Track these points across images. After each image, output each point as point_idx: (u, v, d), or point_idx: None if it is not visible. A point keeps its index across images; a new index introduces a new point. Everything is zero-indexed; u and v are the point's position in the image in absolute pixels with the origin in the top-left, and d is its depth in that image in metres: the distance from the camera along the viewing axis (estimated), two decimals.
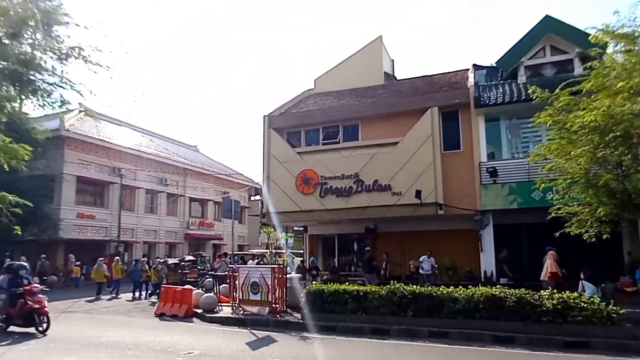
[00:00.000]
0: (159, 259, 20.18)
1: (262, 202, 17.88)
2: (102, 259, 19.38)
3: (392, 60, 24.50)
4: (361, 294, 9.15)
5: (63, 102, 4.94)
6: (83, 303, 14.91)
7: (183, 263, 18.92)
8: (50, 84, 4.91)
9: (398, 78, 23.43)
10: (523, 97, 14.53)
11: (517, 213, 15.24)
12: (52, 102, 4.99)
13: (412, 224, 18.22)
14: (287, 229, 47.38)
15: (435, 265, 15.79)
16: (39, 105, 5.08)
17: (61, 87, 5.00)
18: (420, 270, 14.88)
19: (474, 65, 20.23)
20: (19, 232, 12.13)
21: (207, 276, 17.96)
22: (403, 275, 17.35)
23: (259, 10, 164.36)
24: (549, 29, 15.33)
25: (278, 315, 10.12)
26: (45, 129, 20.31)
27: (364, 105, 18.40)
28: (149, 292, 17.13)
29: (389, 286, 9.17)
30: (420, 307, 8.54)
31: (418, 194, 15.41)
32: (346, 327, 8.76)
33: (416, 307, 8.56)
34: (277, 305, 10.25)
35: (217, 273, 15.50)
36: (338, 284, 9.91)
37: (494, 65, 20.54)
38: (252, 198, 46.21)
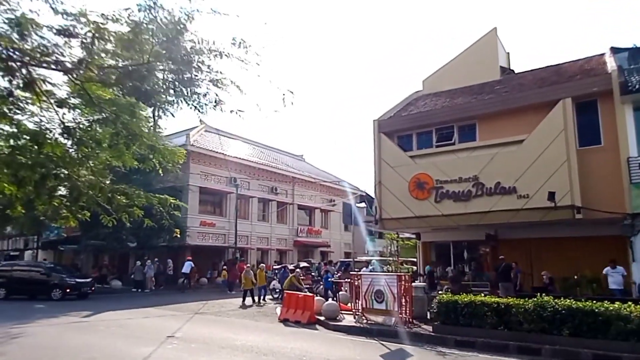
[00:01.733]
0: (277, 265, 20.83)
1: (375, 208, 17.46)
2: (248, 265, 20.38)
3: (508, 53, 22.66)
4: (502, 306, 8.19)
5: (217, 102, 5.09)
6: (211, 305, 15.85)
7: (298, 269, 19.24)
8: (209, 82, 5.09)
9: (516, 71, 21.53)
10: None
11: None
12: (207, 103, 5.18)
13: (540, 231, 16.40)
14: (371, 233, 46.87)
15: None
16: (195, 107, 5.30)
17: (216, 86, 5.15)
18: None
19: (612, 48, 17.74)
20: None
21: (320, 283, 18.02)
22: (529, 287, 15.66)
23: (362, 14, 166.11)
24: None
25: (406, 326, 9.55)
26: (175, 145, 22.42)
27: (481, 103, 17.11)
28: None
29: (535, 299, 8.09)
30: (578, 325, 7.34)
31: (551, 196, 13.74)
32: (486, 344, 7.88)
33: (573, 325, 7.37)
34: (403, 316, 9.69)
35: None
36: (472, 295, 9.02)
37: (637, 46, 17.89)
38: (357, 205, 46.09)
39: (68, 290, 18.87)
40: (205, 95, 5.03)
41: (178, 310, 14.39)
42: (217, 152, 30.09)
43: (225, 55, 4.64)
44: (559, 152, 14.52)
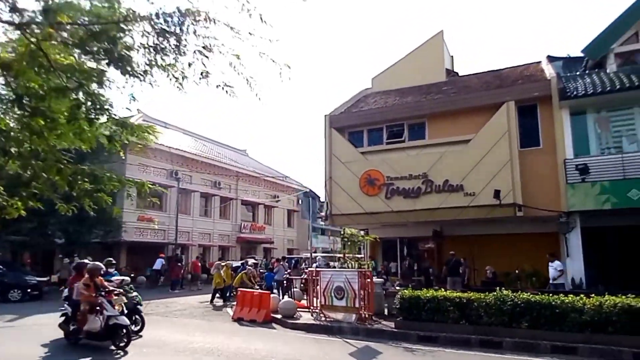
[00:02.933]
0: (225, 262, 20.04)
1: (326, 204, 17.33)
2: (219, 262, 19.01)
3: (452, 56, 23.54)
4: (464, 301, 8.35)
5: (204, 75, 4.49)
6: (155, 305, 14.88)
7: (248, 267, 18.66)
8: (199, 49, 4.48)
9: (460, 74, 22.41)
10: (618, 87, 13.24)
11: (608, 215, 13.93)
12: (191, 76, 4.61)
13: (482, 227, 17.18)
14: (314, 229, 47.31)
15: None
16: (176, 78, 4.62)
17: (204, 55, 4.56)
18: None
19: (549, 56, 18.97)
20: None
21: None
22: (473, 281, 16.36)
23: (309, 11, 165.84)
24: None
25: (367, 323, 9.49)
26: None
27: (431, 102, 17.54)
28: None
29: (495, 293, 8.33)
30: (536, 317, 7.65)
31: (497, 194, 14.37)
32: (449, 338, 8.00)
33: (532, 318, 7.69)
34: (364, 312, 9.61)
35: (276, 278, 15.14)
36: (433, 290, 9.12)
37: (570, 56, 19.27)
38: (300, 202, 46.02)
39: (29, 291, 17.47)
40: (190, 65, 4.46)
41: None
42: (157, 142, 28.45)
43: (219, 21, 4.14)
44: (502, 153, 15.22)
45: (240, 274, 13.96)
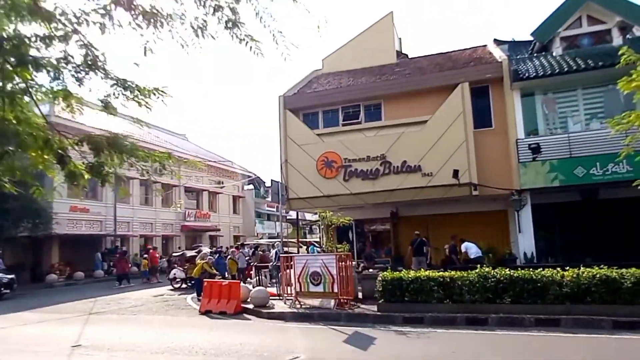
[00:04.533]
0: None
1: (284, 188, 16.79)
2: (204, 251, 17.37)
3: (400, 38, 23.66)
4: (448, 280, 8.33)
5: (232, 23, 3.74)
6: (105, 302, 13.60)
7: (209, 257, 17.72)
8: None
9: (410, 57, 22.60)
10: (566, 70, 13.87)
11: (554, 192, 14.75)
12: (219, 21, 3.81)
13: (437, 207, 17.60)
14: (259, 215, 46.76)
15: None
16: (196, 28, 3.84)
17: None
18: (471, 256, 14.06)
19: (495, 40, 19.59)
20: None
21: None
22: (435, 260, 16.72)
23: None
24: None
25: (347, 308, 9.22)
26: (37, 115, 18.65)
27: (386, 83, 17.46)
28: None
29: (477, 270, 8.39)
30: (519, 292, 7.80)
31: (455, 173, 14.66)
32: (436, 318, 7.95)
33: (515, 293, 7.82)
34: (343, 297, 9.32)
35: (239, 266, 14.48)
36: (414, 272, 9.03)
37: (515, 40, 20.04)
38: (246, 188, 44.92)
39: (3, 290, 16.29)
40: (216, 10, 3.69)
41: (62, 312, 11.97)
42: (89, 126, 26.07)
43: None
44: (458, 133, 15.53)
45: (200, 263, 13.13)
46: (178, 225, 33.61)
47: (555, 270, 7.84)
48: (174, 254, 21.04)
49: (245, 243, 19.11)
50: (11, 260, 21.82)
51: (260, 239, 40.23)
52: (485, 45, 20.18)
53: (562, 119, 15.03)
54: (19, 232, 21.30)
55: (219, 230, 37.69)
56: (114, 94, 4.26)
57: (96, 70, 4.02)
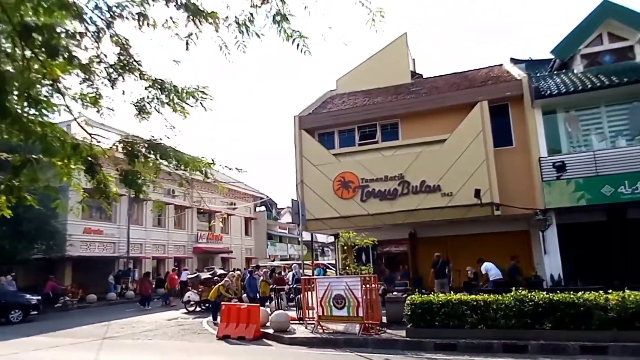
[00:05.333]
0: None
1: (304, 207, 16.51)
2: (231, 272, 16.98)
3: (413, 59, 23.70)
4: (482, 304, 7.90)
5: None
6: (119, 327, 13.27)
7: (216, 277, 17.40)
8: None
9: (424, 76, 22.54)
10: (589, 87, 13.59)
11: (580, 212, 14.26)
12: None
13: (456, 228, 17.16)
14: (271, 237, 46.20)
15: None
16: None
17: None
18: (491, 278, 13.59)
19: (512, 59, 19.46)
20: None
21: (243, 291, 16.45)
22: (455, 283, 16.19)
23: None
24: (609, 14, 14.49)
25: (373, 333, 8.78)
26: None
27: (403, 102, 17.32)
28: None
29: (513, 294, 7.96)
30: (560, 317, 7.34)
31: (477, 193, 14.29)
32: (469, 345, 7.49)
33: (555, 318, 7.36)
34: (369, 322, 8.87)
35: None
36: (445, 295, 8.61)
37: (532, 59, 19.89)
38: (257, 209, 44.73)
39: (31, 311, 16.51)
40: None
41: (75, 336, 11.66)
42: (104, 144, 26.28)
43: None
44: (478, 152, 15.23)
45: (217, 285, 12.78)
46: (190, 247, 33.36)
47: (597, 293, 7.38)
48: (188, 276, 20.68)
49: (260, 265, 18.70)
50: (24, 283, 21.67)
51: (272, 261, 39.79)
52: (501, 65, 20.07)
53: (585, 137, 14.67)
54: (32, 254, 21.19)
55: (231, 252, 37.36)
56: (147, 97, 4.00)
57: (131, 71, 3.79)
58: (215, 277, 17.30)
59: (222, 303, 11.10)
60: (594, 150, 14.00)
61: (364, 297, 8.87)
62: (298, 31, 3.72)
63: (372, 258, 20.18)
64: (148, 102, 4.09)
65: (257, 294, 14.45)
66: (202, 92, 4.06)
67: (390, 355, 7.50)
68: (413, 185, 15.86)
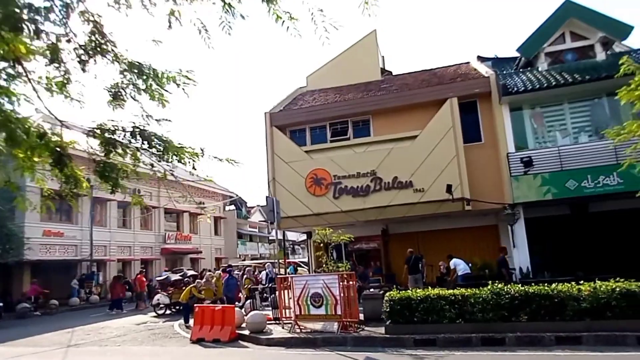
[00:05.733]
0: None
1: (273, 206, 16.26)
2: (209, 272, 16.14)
3: (383, 56, 23.82)
4: (459, 298, 7.94)
5: None
6: (84, 333, 12.61)
7: (187, 279, 16.90)
8: None
9: (394, 74, 22.71)
10: (554, 84, 14.01)
11: (546, 205, 14.70)
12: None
13: (427, 224, 17.40)
14: (241, 236, 45.66)
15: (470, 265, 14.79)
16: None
17: None
18: (459, 272, 13.80)
19: (479, 57, 19.86)
20: None
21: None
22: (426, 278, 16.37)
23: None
24: (571, 14, 14.98)
25: (352, 331, 8.69)
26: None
27: (374, 99, 17.35)
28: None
29: (489, 287, 8.04)
30: (535, 309, 7.46)
31: (449, 188, 14.47)
32: (448, 339, 7.51)
33: (531, 310, 7.47)
34: (348, 320, 8.76)
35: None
36: (423, 290, 8.61)
37: (497, 57, 20.35)
38: (227, 208, 43.99)
39: None
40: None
41: (37, 345, 10.99)
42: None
43: None
44: (449, 148, 15.45)
45: (188, 287, 12.37)
46: (158, 248, 32.41)
47: (570, 285, 7.56)
48: (157, 278, 19.99)
49: (232, 265, 18.35)
50: None
51: (243, 260, 39.24)
52: (468, 63, 20.45)
53: (550, 133, 15.14)
54: None
55: (200, 252, 36.56)
56: (122, 82, 3.67)
57: (104, 53, 3.45)
58: (186, 279, 16.81)
59: (195, 305, 10.75)
60: (558, 146, 14.45)
61: (342, 294, 8.78)
62: (288, 12, 3.55)
63: (344, 255, 20.21)
64: (123, 88, 3.77)
65: (240, 295, 13.97)
66: (186, 76, 3.77)
67: (370, 352, 7.44)
68: (385, 182, 15.93)
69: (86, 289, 23.60)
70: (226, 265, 19.48)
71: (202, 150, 4.04)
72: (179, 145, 3.87)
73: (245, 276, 15.22)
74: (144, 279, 21.55)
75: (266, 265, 15.11)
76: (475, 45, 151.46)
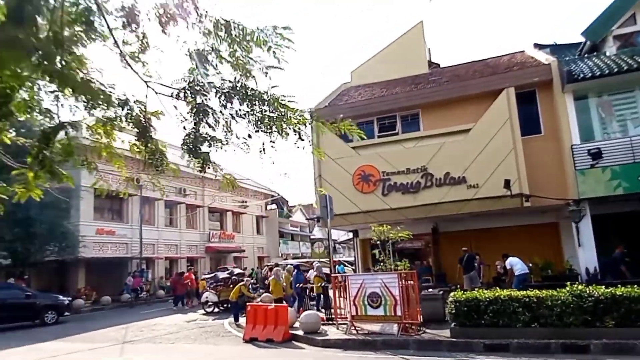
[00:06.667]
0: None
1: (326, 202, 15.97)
2: (277, 267, 16.27)
3: (429, 48, 22.97)
4: (534, 300, 7.27)
5: None
6: (138, 330, 12.83)
7: (234, 277, 16.87)
8: None
9: (441, 66, 21.85)
10: (625, 69, 12.85)
11: (614, 201, 13.55)
12: None
13: (479, 222, 16.48)
14: (282, 235, 45.48)
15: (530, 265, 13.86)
16: None
17: None
18: (516, 273, 12.90)
19: (536, 44, 18.73)
20: None
21: (261, 290, 15.92)
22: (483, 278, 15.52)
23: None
24: None
25: (414, 334, 8.18)
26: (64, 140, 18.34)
27: (424, 92, 16.65)
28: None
29: (569, 289, 7.32)
30: (624, 313, 6.69)
31: (507, 184, 13.62)
32: (524, 345, 6.88)
33: (619, 315, 6.72)
34: (408, 321, 8.26)
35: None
36: (491, 291, 7.97)
37: (556, 43, 19.13)
38: (269, 207, 44.19)
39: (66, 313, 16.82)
40: None
41: (93, 341, 11.17)
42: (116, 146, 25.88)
43: None
44: (505, 141, 14.57)
45: (237, 286, 12.22)
46: (203, 247, 32.92)
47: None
48: (204, 276, 20.14)
49: (279, 263, 18.07)
50: (37, 285, 21.30)
51: (285, 259, 39.26)
52: (523, 51, 19.32)
53: (620, 122, 13.94)
54: (45, 257, 20.81)
55: (243, 251, 36.90)
56: (205, 48, 3.27)
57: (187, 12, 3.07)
58: (233, 277, 16.77)
59: (247, 304, 10.54)
60: (630, 136, 13.27)
61: (402, 294, 8.27)
62: None
63: (391, 254, 19.58)
64: (205, 56, 3.40)
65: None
66: (280, 35, 3.32)
67: (437, 357, 6.92)
68: (437, 178, 15.25)
69: (141, 286, 24.15)
70: (274, 263, 19.29)
71: (310, 113, 3.54)
72: (289, 103, 3.42)
73: (314, 273, 14.67)
74: (193, 277, 21.81)
75: (314, 264, 14.79)
76: (523, 35, 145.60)
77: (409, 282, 8.54)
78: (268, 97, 3.17)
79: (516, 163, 14.33)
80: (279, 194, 43.10)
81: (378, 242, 12.24)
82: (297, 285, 13.20)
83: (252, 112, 3.23)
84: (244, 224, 38.72)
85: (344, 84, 21.32)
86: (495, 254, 15.09)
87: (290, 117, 3.26)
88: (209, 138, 3.36)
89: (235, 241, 36.43)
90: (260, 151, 3.66)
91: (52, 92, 3.21)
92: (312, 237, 49.80)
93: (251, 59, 3.36)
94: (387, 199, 15.88)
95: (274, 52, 3.20)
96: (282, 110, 3.25)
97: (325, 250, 35.05)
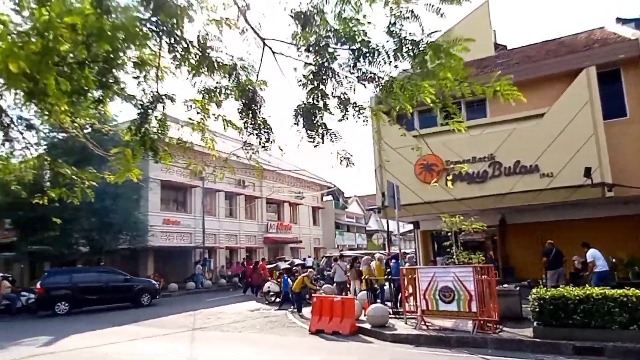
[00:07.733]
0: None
1: (382, 195, 15.61)
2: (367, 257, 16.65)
3: (494, 30, 21.67)
4: (633, 300, 6.57)
5: None
6: (206, 317, 13.28)
7: (294, 267, 16.99)
8: None
9: (508, 48, 20.56)
10: None
11: None
12: None
13: (551, 214, 15.37)
14: (338, 227, 45.08)
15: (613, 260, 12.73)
16: None
17: None
18: (597, 268, 11.80)
19: (618, 19, 17.06)
20: None
21: (321, 281, 15.87)
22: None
23: None
24: None
25: (491, 332, 7.71)
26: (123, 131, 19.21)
27: (492, 76, 15.64)
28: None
29: None
30: None
31: (587, 172, 12.54)
32: (621, 349, 6.23)
33: None
34: (484, 318, 7.79)
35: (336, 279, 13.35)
36: (580, 289, 7.32)
37: None
38: (325, 199, 44.27)
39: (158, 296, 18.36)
40: None
41: (165, 326, 11.65)
42: (178, 139, 26.82)
43: None
44: (584, 126, 13.41)
45: (300, 277, 12.23)
46: (261, 237, 33.58)
47: None
48: (267, 266, 20.48)
49: (342, 254, 17.99)
50: None
51: (341, 250, 39.20)
52: (602, 27, 17.70)
53: None
54: (118, 245, 22.07)
55: (300, 242, 37.27)
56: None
57: None
58: (294, 267, 16.87)
59: (313, 295, 10.48)
60: None
61: (478, 289, 7.79)
62: None
63: (457, 247, 18.84)
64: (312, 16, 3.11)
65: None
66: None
67: (519, 359, 6.40)
68: (505, 167, 14.40)
69: (207, 274, 25.07)
70: (338, 254, 19.15)
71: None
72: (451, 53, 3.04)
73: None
74: (266, 267, 22.32)
75: (376, 255, 14.49)
76: (591, 15, 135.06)
77: (485, 276, 8.02)
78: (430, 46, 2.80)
79: (597, 149, 13.17)
80: (334, 185, 43.01)
81: (448, 234, 11.66)
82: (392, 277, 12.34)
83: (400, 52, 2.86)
84: (301, 215, 39.05)
85: (404, 70, 20.67)
86: (570, 248, 14.02)
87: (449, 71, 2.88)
88: (325, 107, 3.10)
89: (292, 232, 36.85)
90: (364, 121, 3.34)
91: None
92: (367, 228, 49.35)
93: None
94: (452, 189, 15.20)
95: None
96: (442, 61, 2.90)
97: (385, 242, 34.55)
